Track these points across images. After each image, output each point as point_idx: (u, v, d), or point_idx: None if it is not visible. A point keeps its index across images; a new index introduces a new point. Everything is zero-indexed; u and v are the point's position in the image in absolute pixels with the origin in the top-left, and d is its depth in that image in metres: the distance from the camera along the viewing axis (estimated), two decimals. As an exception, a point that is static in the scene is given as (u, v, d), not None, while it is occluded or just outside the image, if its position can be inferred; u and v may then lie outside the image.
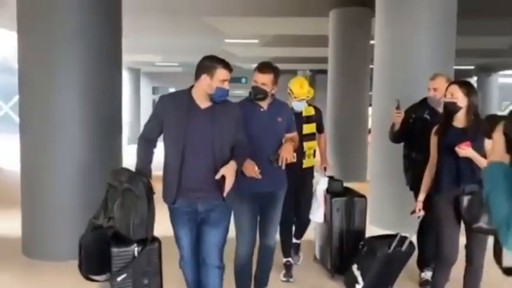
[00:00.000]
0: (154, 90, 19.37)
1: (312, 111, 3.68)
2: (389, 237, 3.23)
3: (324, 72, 10.23)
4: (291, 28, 9.86)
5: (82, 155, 3.88)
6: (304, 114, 3.61)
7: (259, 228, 2.93)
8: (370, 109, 6.88)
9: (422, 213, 2.93)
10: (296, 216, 3.72)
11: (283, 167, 2.74)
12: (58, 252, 3.81)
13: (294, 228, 3.81)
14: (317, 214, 3.63)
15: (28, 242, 4.04)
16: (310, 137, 3.63)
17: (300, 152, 3.46)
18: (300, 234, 3.91)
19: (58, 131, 3.87)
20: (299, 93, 3.53)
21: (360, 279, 3.23)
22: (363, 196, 3.63)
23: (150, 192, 2.38)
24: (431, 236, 3.17)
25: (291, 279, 3.61)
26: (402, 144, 3.58)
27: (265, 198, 2.87)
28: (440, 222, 2.79)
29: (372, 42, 6.42)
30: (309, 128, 3.62)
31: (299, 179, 3.53)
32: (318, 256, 3.95)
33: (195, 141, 2.44)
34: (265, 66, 2.85)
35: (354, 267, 3.27)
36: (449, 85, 2.85)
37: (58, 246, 3.86)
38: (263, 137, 2.80)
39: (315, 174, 3.81)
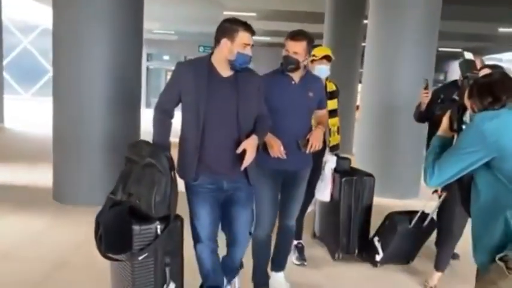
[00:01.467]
0: (148, 56, 19.49)
1: (333, 87, 3.48)
2: (412, 213, 3.26)
3: (319, 48, 10.66)
4: (288, 3, 10.20)
5: (107, 121, 4.37)
6: (328, 89, 3.36)
7: (280, 207, 2.74)
8: (359, 86, 7.37)
9: (444, 193, 2.92)
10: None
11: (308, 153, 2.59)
12: (86, 197, 4.28)
13: None
14: (324, 192, 3.48)
15: (59, 189, 4.57)
16: (333, 113, 3.42)
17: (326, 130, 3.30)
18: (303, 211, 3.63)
19: (86, 100, 4.35)
20: (320, 51, 3.27)
21: (380, 250, 3.31)
22: (371, 175, 3.58)
23: (172, 167, 2.20)
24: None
25: (305, 263, 3.44)
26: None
27: (289, 177, 2.68)
28: (455, 199, 2.74)
29: (365, 21, 6.86)
30: (332, 104, 3.39)
31: (319, 156, 3.27)
32: (318, 233, 3.88)
33: (217, 113, 2.23)
34: (297, 33, 2.59)
35: (375, 239, 3.35)
36: (481, 68, 2.84)
37: (86, 192, 4.36)
38: (292, 113, 2.59)
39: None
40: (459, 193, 2.14)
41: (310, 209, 3.67)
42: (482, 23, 11.40)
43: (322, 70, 3.23)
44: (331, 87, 3.43)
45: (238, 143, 2.25)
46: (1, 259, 3.21)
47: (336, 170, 3.48)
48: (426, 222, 3.20)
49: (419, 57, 5.21)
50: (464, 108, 1.94)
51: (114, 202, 2.25)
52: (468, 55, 2.84)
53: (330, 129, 3.40)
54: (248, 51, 2.24)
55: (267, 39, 15.51)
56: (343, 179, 3.44)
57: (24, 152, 7.29)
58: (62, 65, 4.43)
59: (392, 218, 3.33)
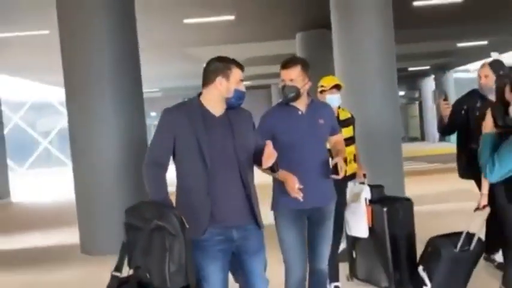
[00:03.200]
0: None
1: (348, 114, 3.37)
2: (455, 236, 2.97)
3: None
4: (263, 50, 11.12)
5: (121, 177, 4.93)
6: (340, 118, 3.26)
7: (308, 250, 2.52)
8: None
9: (487, 209, 2.67)
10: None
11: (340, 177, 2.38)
12: (112, 246, 4.76)
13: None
14: (360, 228, 3.21)
15: (86, 243, 5.06)
16: (349, 141, 3.27)
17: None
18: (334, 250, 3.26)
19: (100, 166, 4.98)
20: (329, 81, 3.21)
21: (427, 281, 3.02)
22: (409, 199, 3.36)
23: (184, 228, 1.91)
24: (496, 226, 2.93)
25: None
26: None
27: (314, 215, 2.49)
28: (505, 210, 2.58)
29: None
30: (347, 132, 3.25)
31: (339, 188, 3.11)
32: (362, 275, 3.48)
33: (219, 155, 2.08)
34: (289, 60, 2.49)
35: (420, 268, 3.07)
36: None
37: (113, 241, 4.84)
38: (306, 144, 2.44)
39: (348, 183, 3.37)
40: (508, 197, 2.18)
41: (341, 247, 3.42)
42: (442, 41, 12.45)
43: (334, 100, 3.16)
44: (344, 115, 3.34)
45: (244, 187, 2.11)
46: None
47: (371, 201, 3.24)
48: (473, 244, 2.92)
49: (383, 84, 5.67)
50: (507, 103, 2.09)
51: (121, 281, 1.94)
52: (495, 55, 3.05)
53: (346, 158, 3.15)
54: (242, 87, 2.18)
55: (248, 83, 16.45)
56: (385, 209, 3.17)
57: (39, 220, 7.73)
58: (78, 138, 5.10)
59: (435, 243, 3.04)
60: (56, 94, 19.56)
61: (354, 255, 3.49)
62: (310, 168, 2.42)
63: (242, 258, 2.15)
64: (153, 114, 20.76)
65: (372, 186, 3.32)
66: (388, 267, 3.22)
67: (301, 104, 2.50)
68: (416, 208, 3.39)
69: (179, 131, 2.08)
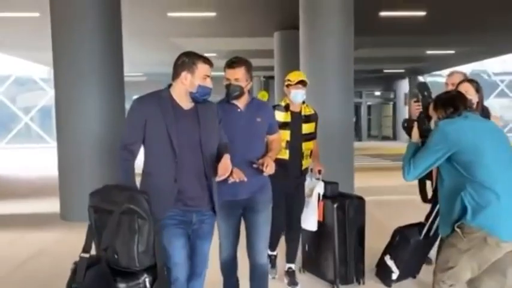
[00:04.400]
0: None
1: (311, 110, 3.41)
2: (417, 226, 3.31)
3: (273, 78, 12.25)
4: (244, 44, 11.71)
5: (101, 149, 5.55)
6: (303, 113, 3.34)
7: (246, 244, 2.63)
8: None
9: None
10: (287, 224, 3.38)
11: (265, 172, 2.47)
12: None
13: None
14: (310, 221, 3.32)
15: (65, 209, 5.67)
16: (309, 136, 3.35)
17: (299, 154, 3.28)
18: (293, 244, 3.46)
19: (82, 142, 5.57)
20: (295, 76, 3.27)
21: (394, 268, 3.26)
22: (361, 197, 3.45)
23: (151, 210, 2.01)
24: None
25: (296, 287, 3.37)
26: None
27: (246, 205, 2.60)
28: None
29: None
30: (308, 128, 3.34)
31: (296, 182, 3.31)
32: (310, 269, 3.60)
33: (185, 145, 2.20)
34: (234, 61, 2.59)
35: (387, 257, 3.30)
36: (460, 83, 3.01)
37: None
38: (243, 140, 2.54)
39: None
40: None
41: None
42: (411, 48, 13.24)
43: (298, 95, 3.24)
44: (307, 110, 3.38)
45: (205, 177, 2.26)
46: (19, 266, 4.19)
47: (324, 196, 3.35)
48: (432, 232, 3.21)
49: (340, 83, 6.26)
50: (429, 119, 2.44)
51: (90, 261, 2.00)
52: (421, 78, 3.51)
53: (303, 153, 3.32)
54: (208, 83, 2.24)
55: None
56: (335, 205, 3.28)
57: (20, 191, 8.26)
58: (63, 113, 5.69)
59: (403, 232, 3.31)
60: (38, 71, 19.84)
61: (306, 248, 3.61)
62: (242, 162, 2.47)
63: (194, 241, 2.32)
64: (135, 97, 20.97)
65: (326, 183, 3.39)
66: (335, 261, 3.30)
67: (241, 103, 2.62)
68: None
69: (150, 117, 2.17)
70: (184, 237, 2.26)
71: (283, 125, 3.20)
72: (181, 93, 2.25)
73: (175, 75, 2.25)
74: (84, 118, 5.54)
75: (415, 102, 3.28)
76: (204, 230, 2.34)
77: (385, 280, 3.37)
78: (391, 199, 6.82)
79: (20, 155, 15.42)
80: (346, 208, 3.31)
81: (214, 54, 13.04)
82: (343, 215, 3.30)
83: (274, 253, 3.58)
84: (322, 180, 3.41)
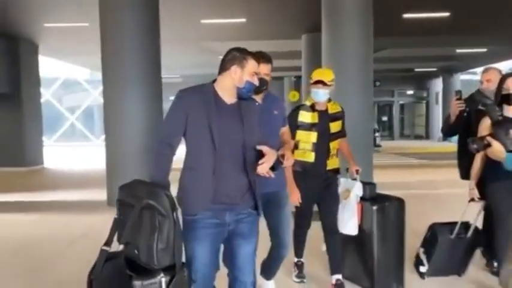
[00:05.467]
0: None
1: (338, 108, 3.28)
2: (453, 224, 3.21)
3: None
4: (273, 47, 12.24)
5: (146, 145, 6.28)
6: (330, 111, 3.22)
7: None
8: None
9: (482, 202, 2.99)
10: (323, 229, 3.22)
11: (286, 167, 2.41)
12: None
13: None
14: (349, 226, 3.13)
15: (112, 197, 6.37)
16: (337, 135, 3.23)
17: (325, 153, 3.16)
18: (334, 251, 3.22)
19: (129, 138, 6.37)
20: (315, 75, 3.14)
21: (425, 261, 3.25)
22: (401, 199, 3.26)
23: (174, 209, 2.00)
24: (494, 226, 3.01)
25: (304, 280, 3.33)
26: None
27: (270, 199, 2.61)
28: (501, 212, 2.81)
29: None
30: (336, 126, 3.22)
31: (323, 182, 3.17)
32: (346, 273, 3.33)
33: (226, 141, 2.13)
34: (266, 56, 2.60)
35: (421, 250, 3.29)
36: (505, 78, 2.90)
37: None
38: (262, 133, 2.42)
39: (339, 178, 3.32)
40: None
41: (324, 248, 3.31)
42: (440, 48, 13.34)
43: (317, 94, 3.14)
44: (334, 108, 3.26)
45: (246, 175, 2.17)
46: (68, 246, 4.88)
47: (363, 198, 3.16)
48: (470, 232, 3.14)
49: (360, 84, 6.56)
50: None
51: (109, 255, 2.00)
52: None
53: (330, 153, 3.21)
54: (255, 80, 2.23)
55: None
56: (375, 207, 3.11)
57: (70, 182, 9.22)
58: (111, 113, 6.53)
59: (433, 229, 3.27)
60: (83, 73, 21.16)
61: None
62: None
63: (233, 242, 2.21)
64: (171, 98, 21.89)
65: (364, 183, 3.22)
66: (373, 267, 3.13)
67: (259, 96, 2.68)
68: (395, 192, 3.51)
69: (192, 110, 2.12)
70: (211, 244, 2.15)
71: (311, 126, 3.15)
72: (228, 87, 2.21)
73: (224, 69, 2.21)
74: (128, 116, 6.31)
75: (457, 99, 3.17)
76: (241, 230, 2.21)
77: (416, 270, 3.38)
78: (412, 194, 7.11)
79: (67, 152, 16.67)
80: (387, 210, 3.15)
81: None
82: (382, 218, 3.13)
83: (302, 259, 3.48)
84: (360, 181, 3.22)
